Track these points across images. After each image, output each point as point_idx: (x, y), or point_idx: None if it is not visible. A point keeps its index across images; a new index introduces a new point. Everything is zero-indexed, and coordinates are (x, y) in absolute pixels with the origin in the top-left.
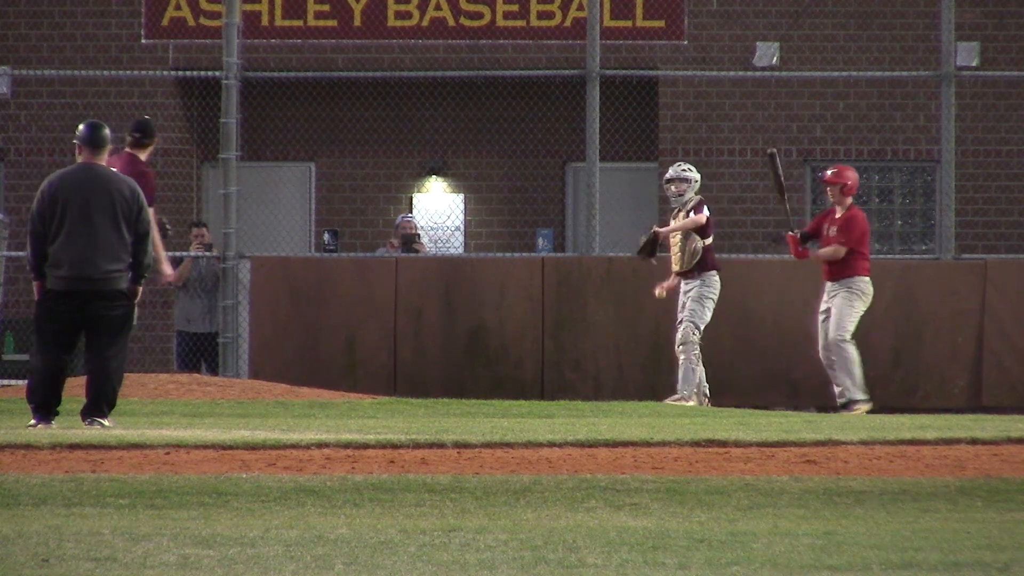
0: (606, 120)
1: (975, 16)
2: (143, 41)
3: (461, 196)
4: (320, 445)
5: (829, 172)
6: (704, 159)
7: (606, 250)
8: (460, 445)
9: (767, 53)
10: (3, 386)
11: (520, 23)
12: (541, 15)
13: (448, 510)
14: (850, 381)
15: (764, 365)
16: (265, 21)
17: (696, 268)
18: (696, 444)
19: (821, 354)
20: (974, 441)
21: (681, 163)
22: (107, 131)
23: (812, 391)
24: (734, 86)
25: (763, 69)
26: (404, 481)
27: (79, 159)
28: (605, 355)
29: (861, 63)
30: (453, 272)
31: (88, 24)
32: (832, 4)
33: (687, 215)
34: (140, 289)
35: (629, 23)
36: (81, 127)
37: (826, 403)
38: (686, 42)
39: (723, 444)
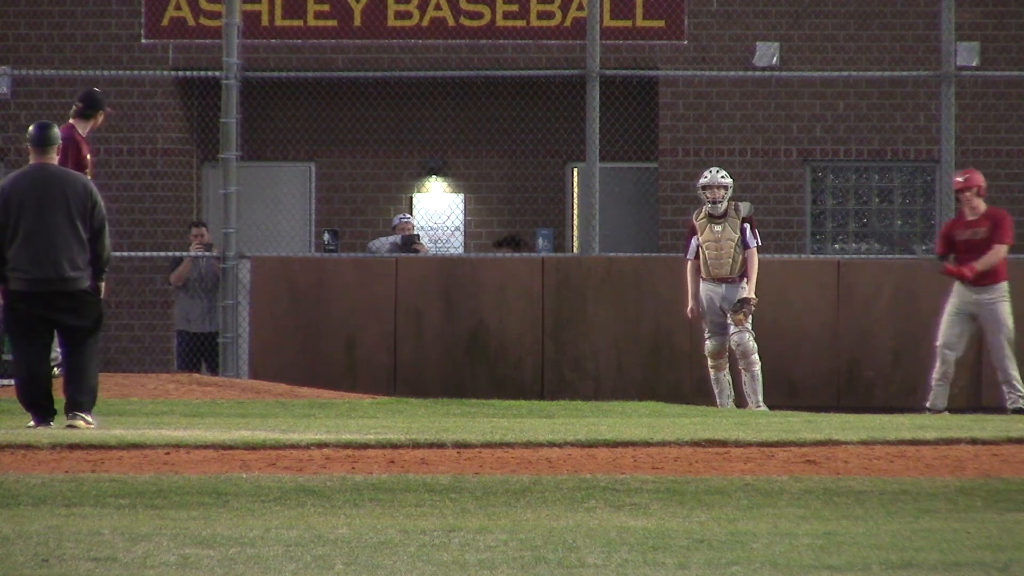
0: (606, 120)
1: (975, 16)
2: (143, 41)
3: (461, 196)
4: (320, 445)
5: (961, 178)
6: (704, 159)
7: (606, 250)
8: (460, 445)
9: (767, 53)
10: (3, 386)
11: (520, 23)
12: (541, 15)
13: (448, 510)
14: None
15: (764, 365)
16: (265, 21)
17: (740, 275)
18: (696, 444)
19: (945, 353)
20: (974, 441)
21: (717, 169)
22: (56, 130)
23: (812, 391)
24: (734, 86)
25: (763, 69)
26: (404, 481)
27: (31, 160)
28: (605, 355)
29: (861, 63)
30: (453, 272)
31: (88, 24)
32: (832, 4)
33: (725, 221)
34: (103, 285)
35: (629, 23)
36: (31, 128)
37: (827, 403)
38: (686, 42)
39: (723, 444)
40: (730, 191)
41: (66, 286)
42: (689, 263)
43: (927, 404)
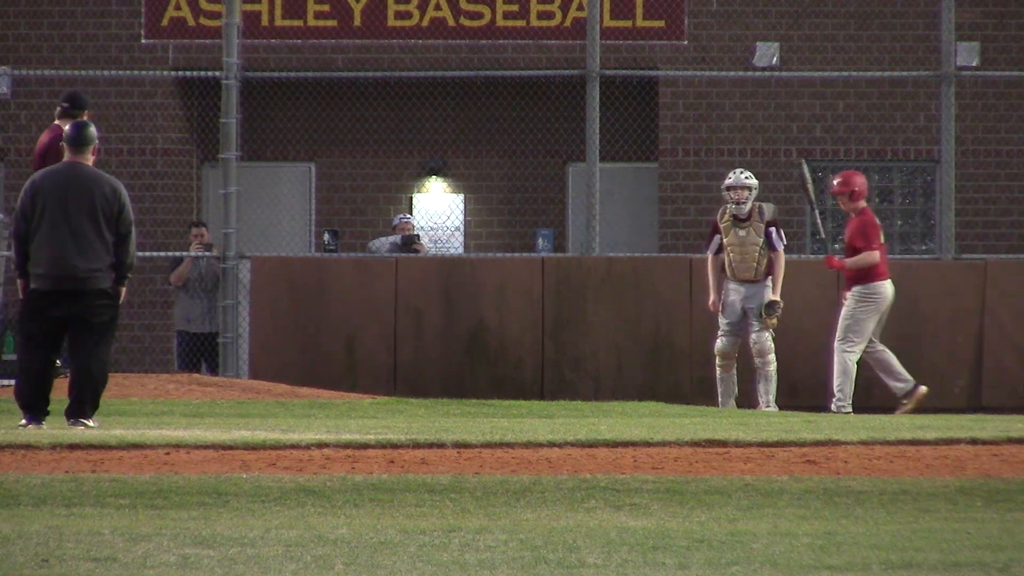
0: (606, 120)
1: (975, 16)
2: (143, 41)
3: (461, 196)
4: (320, 445)
5: (836, 182)
6: (704, 159)
7: (606, 250)
8: (460, 445)
9: (767, 53)
10: (3, 386)
11: (520, 23)
12: (541, 15)
13: (448, 510)
14: (837, 386)
15: None
16: (265, 21)
17: (763, 276)
18: (696, 444)
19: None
20: (974, 441)
21: (742, 170)
22: (92, 130)
23: (812, 391)
24: (734, 86)
25: (763, 69)
26: (404, 481)
27: (66, 158)
28: (605, 355)
29: (861, 63)
30: (453, 272)
31: (88, 24)
32: (832, 4)
33: (749, 224)
34: (124, 290)
35: (629, 23)
36: (67, 126)
37: (821, 403)
38: (686, 42)
39: (723, 444)
40: (755, 192)
41: (81, 285)
42: (710, 257)
43: (904, 402)
